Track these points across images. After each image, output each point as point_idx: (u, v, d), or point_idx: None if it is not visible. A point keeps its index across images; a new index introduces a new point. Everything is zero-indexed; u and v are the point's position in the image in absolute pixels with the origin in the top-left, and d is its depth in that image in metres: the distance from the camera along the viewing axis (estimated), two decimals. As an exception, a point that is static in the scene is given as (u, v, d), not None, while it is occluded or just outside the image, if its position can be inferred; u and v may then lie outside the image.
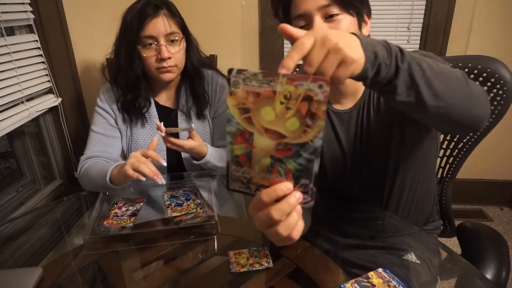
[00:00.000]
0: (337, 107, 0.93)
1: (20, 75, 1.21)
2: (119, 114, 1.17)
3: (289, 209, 0.49)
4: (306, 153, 0.47)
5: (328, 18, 0.80)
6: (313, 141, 0.46)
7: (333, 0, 0.78)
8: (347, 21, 0.80)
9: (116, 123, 1.18)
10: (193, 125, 1.05)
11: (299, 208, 0.51)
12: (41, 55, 1.30)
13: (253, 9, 1.99)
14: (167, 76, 1.11)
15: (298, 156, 0.48)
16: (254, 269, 0.74)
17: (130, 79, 1.11)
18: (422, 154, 0.90)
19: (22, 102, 1.24)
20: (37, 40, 1.28)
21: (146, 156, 0.92)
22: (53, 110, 1.41)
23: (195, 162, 1.10)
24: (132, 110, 1.16)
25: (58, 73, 1.37)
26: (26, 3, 1.23)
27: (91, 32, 1.56)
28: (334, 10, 0.79)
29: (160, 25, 1.04)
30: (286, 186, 0.49)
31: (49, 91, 1.38)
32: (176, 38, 1.08)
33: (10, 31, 1.25)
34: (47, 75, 1.34)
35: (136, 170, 0.89)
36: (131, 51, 1.06)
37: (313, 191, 0.49)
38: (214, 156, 1.10)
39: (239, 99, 0.48)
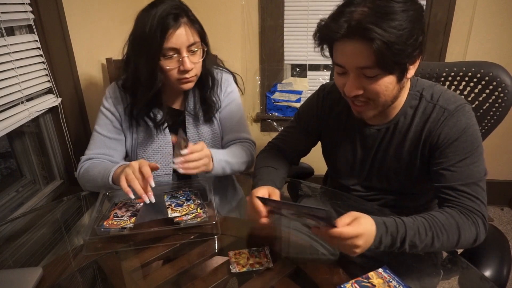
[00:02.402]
0: (368, 121, 0.94)
1: (20, 75, 1.21)
2: (125, 117, 1.14)
3: None
4: None
5: (366, 76, 0.76)
6: None
7: (375, 62, 0.72)
8: (385, 81, 0.76)
9: (121, 125, 1.15)
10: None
11: None
12: (41, 55, 1.30)
13: (253, 9, 1.99)
14: (188, 86, 1.08)
15: None
16: (254, 269, 0.74)
17: (151, 94, 1.06)
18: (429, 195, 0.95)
19: (22, 102, 1.24)
20: (37, 40, 1.28)
21: (141, 171, 0.89)
22: (53, 110, 1.41)
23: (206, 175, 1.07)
24: (142, 118, 1.13)
25: (58, 73, 1.37)
26: (26, 3, 1.22)
27: (91, 32, 1.55)
28: (373, 73, 0.75)
29: (183, 36, 0.99)
30: None
31: (49, 91, 1.38)
32: (196, 49, 1.04)
33: (10, 31, 1.24)
34: (47, 75, 1.34)
35: (129, 183, 0.87)
36: (153, 64, 1.01)
37: None
38: (223, 167, 1.06)
39: None
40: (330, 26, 0.75)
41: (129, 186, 0.87)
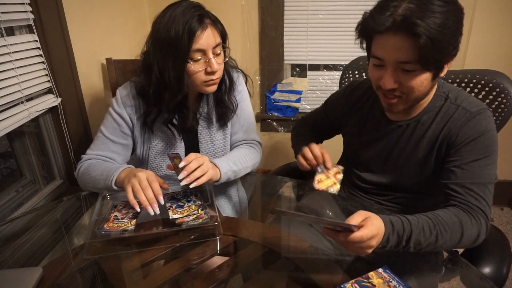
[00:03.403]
0: (390, 117, 0.95)
1: (19, 75, 1.21)
2: (137, 123, 1.10)
3: None
4: None
5: (404, 70, 0.77)
6: None
7: (418, 58, 0.74)
8: (422, 77, 0.78)
9: (132, 131, 1.12)
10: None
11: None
12: (40, 55, 1.30)
13: (253, 9, 1.99)
14: (212, 89, 1.06)
15: None
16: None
17: (179, 99, 1.03)
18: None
19: (22, 102, 1.24)
20: (36, 40, 1.28)
21: (151, 186, 0.88)
22: (53, 110, 1.41)
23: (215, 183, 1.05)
24: (166, 125, 1.09)
25: (58, 73, 1.37)
26: (26, 3, 1.22)
27: (91, 32, 1.56)
28: (413, 67, 0.76)
29: (210, 37, 0.98)
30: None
31: (48, 91, 1.38)
32: (220, 50, 1.02)
33: (10, 31, 1.24)
34: (46, 75, 1.34)
35: (135, 194, 0.87)
36: (181, 68, 0.99)
37: None
38: (228, 177, 1.05)
39: None
40: (376, 18, 0.75)
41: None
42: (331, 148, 1.19)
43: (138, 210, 0.87)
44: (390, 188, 1.00)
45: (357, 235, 0.65)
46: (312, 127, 1.21)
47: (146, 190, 0.86)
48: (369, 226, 0.67)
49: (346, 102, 1.06)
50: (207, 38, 0.97)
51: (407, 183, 0.97)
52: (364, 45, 0.84)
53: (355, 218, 0.68)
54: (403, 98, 0.83)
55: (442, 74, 0.81)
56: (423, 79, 0.78)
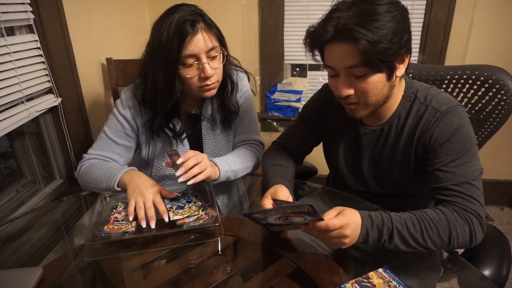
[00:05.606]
0: (364, 121, 0.96)
1: (20, 75, 1.21)
2: (142, 129, 1.11)
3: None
4: None
5: (356, 76, 0.79)
6: None
7: (362, 61, 0.75)
8: (374, 79, 0.79)
9: (136, 134, 1.12)
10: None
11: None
12: (41, 55, 1.30)
13: (253, 9, 1.99)
14: (210, 94, 1.05)
15: None
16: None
17: (170, 105, 1.03)
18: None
19: (22, 102, 1.24)
20: (37, 40, 1.28)
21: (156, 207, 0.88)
22: (53, 110, 1.41)
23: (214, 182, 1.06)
24: (162, 129, 1.10)
25: (58, 73, 1.37)
26: (26, 3, 1.22)
27: (91, 32, 1.56)
28: (362, 71, 0.77)
29: (200, 42, 0.96)
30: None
31: (49, 91, 1.38)
32: (216, 53, 1.01)
33: (10, 31, 1.25)
34: (47, 75, 1.34)
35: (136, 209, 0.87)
36: (171, 74, 0.99)
37: None
38: (227, 176, 1.05)
39: None
40: (318, 31, 0.80)
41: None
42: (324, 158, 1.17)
43: (131, 219, 0.87)
44: (378, 194, 1.00)
45: (322, 223, 0.68)
46: (287, 150, 1.11)
47: (149, 210, 0.86)
48: (339, 217, 0.70)
49: (324, 105, 1.05)
50: (198, 42, 0.96)
51: (392, 188, 0.97)
52: (318, 57, 0.86)
53: (330, 213, 0.71)
54: (361, 104, 0.83)
55: (399, 74, 0.82)
56: (376, 82, 0.79)
